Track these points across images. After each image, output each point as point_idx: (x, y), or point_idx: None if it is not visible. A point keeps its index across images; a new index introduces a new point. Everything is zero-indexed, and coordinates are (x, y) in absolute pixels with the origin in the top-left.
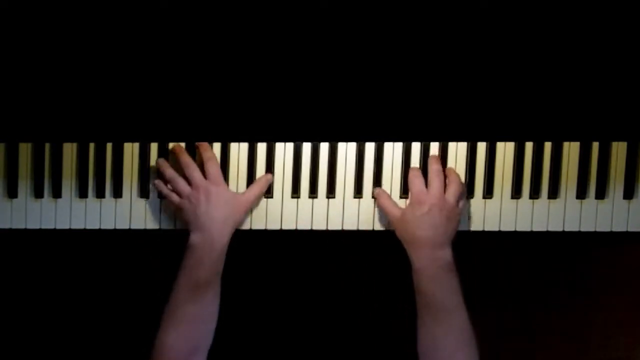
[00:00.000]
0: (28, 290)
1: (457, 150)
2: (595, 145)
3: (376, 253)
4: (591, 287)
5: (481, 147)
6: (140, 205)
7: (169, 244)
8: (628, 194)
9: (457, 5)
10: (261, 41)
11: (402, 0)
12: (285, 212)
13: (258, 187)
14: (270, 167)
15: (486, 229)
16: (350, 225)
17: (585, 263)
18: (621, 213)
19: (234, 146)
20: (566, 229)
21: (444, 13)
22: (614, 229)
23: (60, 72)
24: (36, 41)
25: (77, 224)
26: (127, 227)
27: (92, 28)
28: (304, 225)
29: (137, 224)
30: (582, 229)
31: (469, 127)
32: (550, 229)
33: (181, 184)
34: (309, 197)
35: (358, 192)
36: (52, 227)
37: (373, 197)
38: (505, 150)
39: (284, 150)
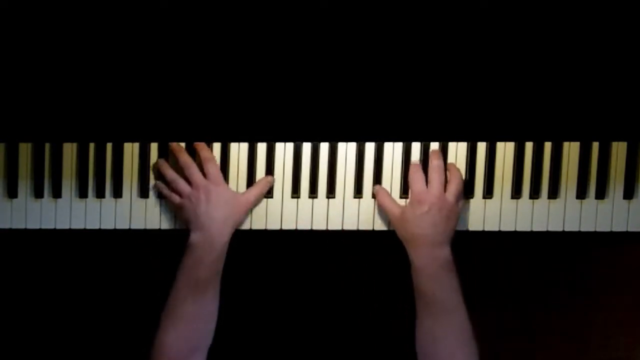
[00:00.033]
0: (28, 290)
1: (457, 150)
2: (595, 145)
3: (376, 253)
4: (591, 287)
5: (481, 147)
6: (140, 205)
7: (169, 244)
8: (628, 194)
9: (457, 5)
10: (261, 41)
11: (402, 0)
12: (285, 212)
13: (259, 188)
14: (270, 167)
15: (486, 229)
16: (350, 225)
17: (585, 263)
18: (621, 213)
19: (234, 146)
20: (566, 229)
21: (444, 13)
22: (614, 229)
23: (60, 72)
24: (36, 41)
25: (77, 224)
26: (127, 227)
27: (92, 28)
28: (304, 225)
29: (137, 224)
30: (582, 229)
31: (469, 127)
32: (550, 229)
33: (181, 184)
34: (309, 197)
35: (358, 192)
36: (52, 227)
37: (373, 197)
38: (505, 150)
39: (284, 150)
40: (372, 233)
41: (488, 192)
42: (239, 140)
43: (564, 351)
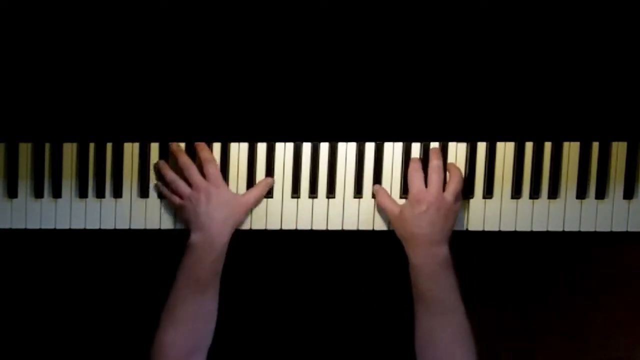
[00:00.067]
0: (28, 290)
1: (457, 150)
2: (595, 145)
3: (376, 253)
4: (591, 287)
5: (481, 147)
6: (140, 205)
7: (169, 244)
8: (628, 194)
9: (457, 5)
10: (261, 41)
11: (402, 1)
12: (285, 212)
13: (259, 189)
14: (270, 167)
15: (486, 229)
16: (350, 225)
17: (585, 263)
18: (621, 213)
19: (234, 146)
20: (566, 229)
21: (444, 13)
22: (614, 229)
23: (60, 72)
24: (36, 41)
25: (77, 224)
26: (127, 227)
27: (92, 28)
28: (304, 225)
29: (137, 224)
30: (582, 229)
31: (469, 127)
32: (550, 229)
33: (181, 185)
34: (309, 197)
35: (358, 192)
36: (52, 227)
37: (373, 197)
38: (505, 150)
39: (284, 150)
40: (372, 233)
41: (488, 192)
42: (239, 140)
43: (564, 351)
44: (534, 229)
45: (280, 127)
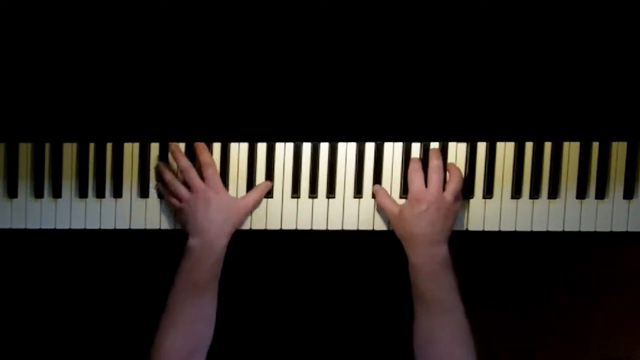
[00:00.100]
0: (28, 290)
1: (457, 150)
2: (595, 145)
3: (376, 253)
4: (591, 287)
5: (481, 147)
6: (140, 205)
7: (169, 244)
8: (628, 194)
9: (457, 5)
10: (261, 41)
11: (402, 1)
12: (285, 212)
13: (257, 192)
14: (270, 167)
15: (486, 229)
16: (350, 225)
17: (585, 263)
18: (621, 213)
19: (234, 146)
20: (566, 229)
21: (444, 13)
22: (614, 229)
23: (60, 72)
24: (36, 41)
25: (77, 224)
26: (127, 227)
27: (92, 28)
28: (304, 225)
29: (137, 224)
30: (582, 229)
31: (469, 127)
32: (550, 229)
33: (180, 188)
34: (309, 197)
35: (358, 192)
36: (52, 227)
37: (373, 197)
38: (505, 150)
39: (284, 150)
40: (372, 233)
41: (488, 192)
42: (239, 140)
43: (564, 351)
44: (534, 229)
45: (280, 127)
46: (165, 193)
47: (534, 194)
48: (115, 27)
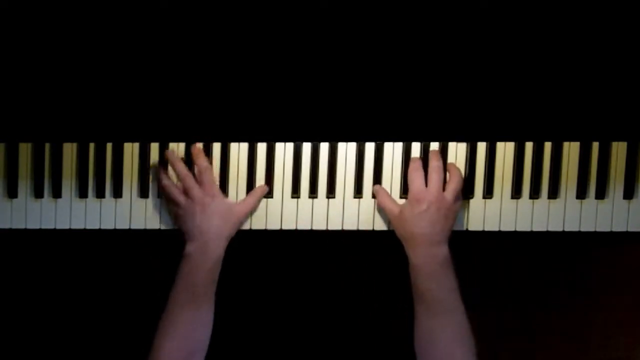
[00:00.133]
0: (28, 290)
1: (457, 150)
2: (595, 145)
3: (376, 253)
4: (591, 287)
5: (481, 147)
6: (140, 205)
7: (169, 244)
8: (628, 194)
9: (457, 5)
10: (261, 41)
11: (402, 1)
12: (285, 212)
13: (253, 197)
14: (270, 167)
15: (486, 229)
16: (350, 225)
17: (585, 263)
18: (621, 213)
19: (234, 146)
20: (566, 229)
21: (444, 13)
22: (614, 229)
23: (60, 72)
24: (36, 41)
25: (77, 224)
26: (127, 227)
27: (92, 28)
28: (304, 225)
29: (137, 224)
30: (582, 229)
31: (469, 127)
32: (550, 229)
33: (177, 193)
34: (309, 197)
35: (358, 192)
36: (52, 227)
37: (373, 197)
38: (505, 150)
39: (284, 150)
40: (372, 233)
41: (488, 192)
42: (239, 140)
43: (564, 351)
44: (534, 229)
45: (280, 127)
46: (163, 198)
47: (534, 194)
48: (115, 27)
